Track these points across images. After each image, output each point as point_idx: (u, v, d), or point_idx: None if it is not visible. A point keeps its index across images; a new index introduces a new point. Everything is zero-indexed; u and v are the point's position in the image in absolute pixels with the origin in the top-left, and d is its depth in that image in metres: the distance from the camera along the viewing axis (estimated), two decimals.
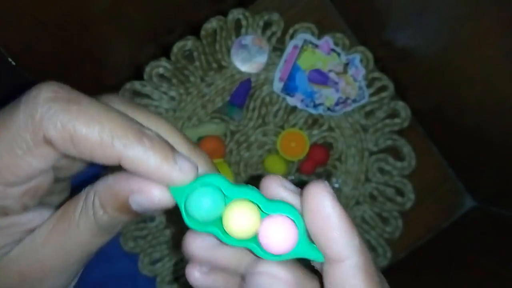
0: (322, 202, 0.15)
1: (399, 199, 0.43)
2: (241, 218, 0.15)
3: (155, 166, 0.15)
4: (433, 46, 0.36)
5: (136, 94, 0.43)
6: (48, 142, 0.14)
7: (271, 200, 0.16)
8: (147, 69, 0.42)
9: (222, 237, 0.16)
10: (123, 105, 0.16)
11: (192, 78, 0.43)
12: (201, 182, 0.15)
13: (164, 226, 0.42)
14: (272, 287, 0.17)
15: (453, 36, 0.33)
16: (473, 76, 0.33)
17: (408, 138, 0.44)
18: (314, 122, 0.44)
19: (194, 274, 0.18)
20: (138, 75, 0.42)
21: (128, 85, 0.42)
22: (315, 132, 0.43)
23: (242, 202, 0.15)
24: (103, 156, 0.15)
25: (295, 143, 0.42)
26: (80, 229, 0.16)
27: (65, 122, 0.14)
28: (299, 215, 0.16)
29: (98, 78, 0.40)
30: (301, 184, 0.16)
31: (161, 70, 0.42)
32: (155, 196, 0.15)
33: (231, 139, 0.43)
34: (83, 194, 0.16)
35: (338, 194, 0.43)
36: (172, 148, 0.15)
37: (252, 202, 0.15)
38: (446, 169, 0.46)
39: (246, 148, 0.43)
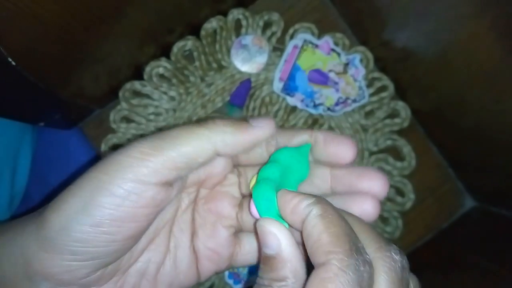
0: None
1: (399, 199, 0.43)
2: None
3: None
4: (433, 46, 0.36)
5: (136, 94, 0.43)
6: None
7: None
8: (147, 69, 0.42)
9: None
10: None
11: (192, 78, 0.43)
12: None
13: None
14: None
15: (453, 36, 0.33)
16: (473, 76, 0.33)
17: (408, 138, 0.43)
18: (314, 122, 0.44)
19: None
20: (138, 75, 0.42)
21: (128, 85, 0.42)
22: None
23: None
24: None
25: None
26: None
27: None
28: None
29: (98, 78, 0.40)
30: None
31: (161, 70, 0.42)
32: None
33: None
34: None
35: None
36: None
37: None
38: (446, 169, 0.46)
39: None
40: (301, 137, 0.22)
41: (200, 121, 0.42)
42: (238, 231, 0.24)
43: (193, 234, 0.24)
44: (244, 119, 0.22)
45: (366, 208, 0.21)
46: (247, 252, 0.24)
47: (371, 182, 0.21)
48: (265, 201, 0.19)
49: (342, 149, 0.21)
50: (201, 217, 0.24)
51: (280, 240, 0.17)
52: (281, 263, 0.17)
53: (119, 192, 0.19)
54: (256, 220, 0.19)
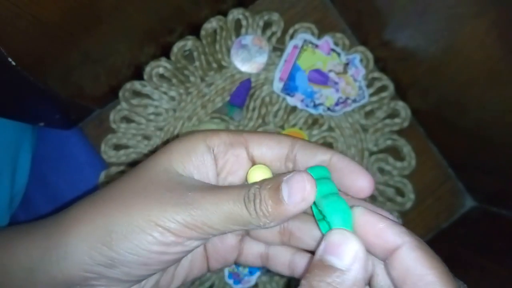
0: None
1: (399, 199, 0.43)
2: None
3: None
4: (433, 46, 0.36)
5: (136, 94, 0.43)
6: None
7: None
8: (147, 69, 0.42)
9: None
10: None
11: (192, 78, 0.43)
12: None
13: None
14: None
15: (453, 36, 0.33)
16: (473, 76, 0.33)
17: (408, 138, 0.43)
18: (314, 122, 0.44)
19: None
20: (138, 75, 0.42)
21: (128, 85, 0.42)
22: (315, 132, 0.43)
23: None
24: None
25: None
26: None
27: None
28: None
29: (98, 78, 0.40)
30: None
31: (161, 70, 0.42)
32: None
33: None
34: None
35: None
36: None
37: None
38: (446, 169, 0.46)
39: None
40: (322, 159, 0.22)
41: (200, 121, 0.41)
42: (244, 236, 0.25)
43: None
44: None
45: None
46: (248, 254, 0.25)
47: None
48: (342, 213, 0.18)
49: (360, 184, 0.21)
50: None
51: (356, 258, 0.17)
52: (348, 280, 0.16)
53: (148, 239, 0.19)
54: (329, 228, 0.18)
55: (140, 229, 0.19)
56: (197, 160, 0.21)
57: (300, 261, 0.23)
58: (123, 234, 0.19)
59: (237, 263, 0.25)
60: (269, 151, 0.22)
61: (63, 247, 0.19)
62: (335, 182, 0.21)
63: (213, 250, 0.24)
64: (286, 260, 0.24)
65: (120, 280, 0.20)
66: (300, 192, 0.18)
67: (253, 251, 0.25)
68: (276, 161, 0.22)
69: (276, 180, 0.19)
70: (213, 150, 0.22)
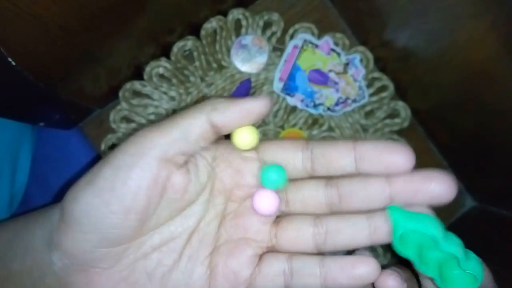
0: None
1: None
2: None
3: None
4: (433, 46, 0.36)
5: (136, 94, 0.43)
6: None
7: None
8: (147, 69, 0.42)
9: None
10: None
11: (192, 78, 0.43)
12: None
13: None
14: None
15: (453, 36, 0.33)
16: (473, 76, 0.33)
17: (408, 138, 0.43)
18: (314, 122, 0.44)
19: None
20: (138, 75, 0.42)
21: (128, 85, 0.42)
22: (315, 132, 0.43)
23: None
24: None
25: None
26: None
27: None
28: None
29: (98, 78, 0.40)
30: None
31: (161, 70, 0.42)
32: None
33: None
34: None
35: None
36: None
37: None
38: (446, 169, 0.46)
39: None
40: (344, 152, 0.21)
41: None
42: (265, 251, 0.23)
43: (214, 249, 0.23)
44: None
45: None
46: (266, 275, 0.22)
47: (440, 186, 0.21)
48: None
49: (398, 162, 0.20)
50: (227, 233, 0.23)
51: None
52: None
53: (120, 165, 0.20)
54: None
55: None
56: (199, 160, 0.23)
57: (332, 265, 0.22)
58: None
59: None
60: (280, 150, 0.22)
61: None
62: (374, 167, 0.20)
63: (222, 263, 0.22)
64: (316, 270, 0.22)
65: (86, 232, 0.20)
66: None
67: (273, 268, 0.22)
68: (289, 159, 0.22)
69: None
70: (218, 150, 0.23)
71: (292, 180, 0.23)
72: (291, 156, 0.22)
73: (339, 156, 0.21)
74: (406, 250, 0.20)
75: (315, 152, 0.22)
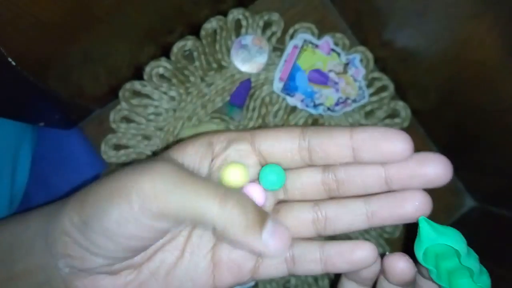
0: None
1: None
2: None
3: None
4: (433, 46, 0.36)
5: (136, 94, 0.43)
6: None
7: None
8: (147, 69, 0.42)
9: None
10: None
11: (192, 78, 0.43)
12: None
13: None
14: None
15: (453, 36, 0.33)
16: (473, 76, 0.33)
17: None
18: (314, 122, 0.44)
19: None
20: (138, 75, 0.42)
21: (128, 85, 0.42)
22: None
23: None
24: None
25: None
26: None
27: None
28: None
29: (98, 78, 0.40)
30: None
31: (161, 70, 0.42)
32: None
33: None
34: None
35: None
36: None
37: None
38: None
39: None
40: (340, 141, 0.21)
41: (200, 121, 0.41)
42: None
43: (216, 243, 0.23)
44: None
45: (420, 204, 0.21)
46: (269, 264, 0.23)
47: (436, 168, 0.21)
48: None
49: (396, 149, 0.20)
50: None
51: None
52: None
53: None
54: None
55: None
56: (192, 150, 0.21)
57: (331, 250, 0.22)
58: (97, 197, 0.20)
59: (256, 278, 0.23)
60: (276, 143, 0.22)
61: (52, 211, 0.22)
62: (371, 156, 0.20)
63: (226, 257, 0.22)
64: (317, 256, 0.22)
65: (93, 253, 0.20)
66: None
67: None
68: (287, 152, 0.22)
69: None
70: (213, 144, 0.22)
71: (290, 169, 0.23)
72: (288, 148, 0.22)
73: (337, 149, 0.21)
74: (428, 262, 0.20)
75: (312, 143, 0.21)
